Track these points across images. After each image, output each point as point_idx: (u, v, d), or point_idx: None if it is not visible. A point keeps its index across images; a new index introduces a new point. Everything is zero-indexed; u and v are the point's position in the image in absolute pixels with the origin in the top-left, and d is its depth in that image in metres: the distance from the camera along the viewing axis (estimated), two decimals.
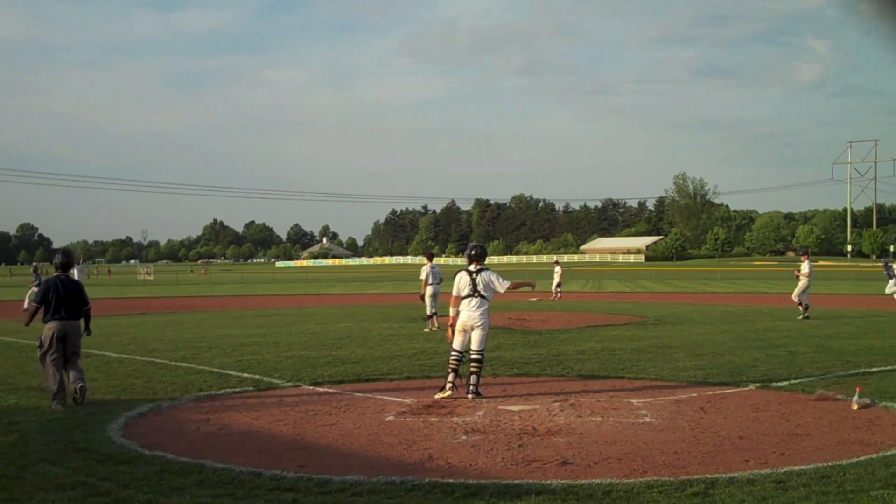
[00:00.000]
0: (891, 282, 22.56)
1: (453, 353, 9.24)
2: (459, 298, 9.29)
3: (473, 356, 9.15)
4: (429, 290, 17.47)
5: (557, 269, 32.58)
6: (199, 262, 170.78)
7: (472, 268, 9.35)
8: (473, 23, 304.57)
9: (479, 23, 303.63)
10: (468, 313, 9.17)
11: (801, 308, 20.25)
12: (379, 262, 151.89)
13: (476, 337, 9.15)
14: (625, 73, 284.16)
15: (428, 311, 17.50)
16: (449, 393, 9.09)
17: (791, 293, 21.38)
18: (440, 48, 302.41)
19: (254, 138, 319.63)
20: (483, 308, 9.19)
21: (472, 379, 9.09)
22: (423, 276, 17.78)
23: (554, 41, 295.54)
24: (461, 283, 9.29)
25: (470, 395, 9.00)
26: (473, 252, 9.38)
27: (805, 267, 20.38)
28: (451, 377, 9.19)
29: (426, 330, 17.17)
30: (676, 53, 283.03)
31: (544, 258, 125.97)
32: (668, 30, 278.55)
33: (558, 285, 31.48)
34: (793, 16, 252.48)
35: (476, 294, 9.19)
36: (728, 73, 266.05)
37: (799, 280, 20.50)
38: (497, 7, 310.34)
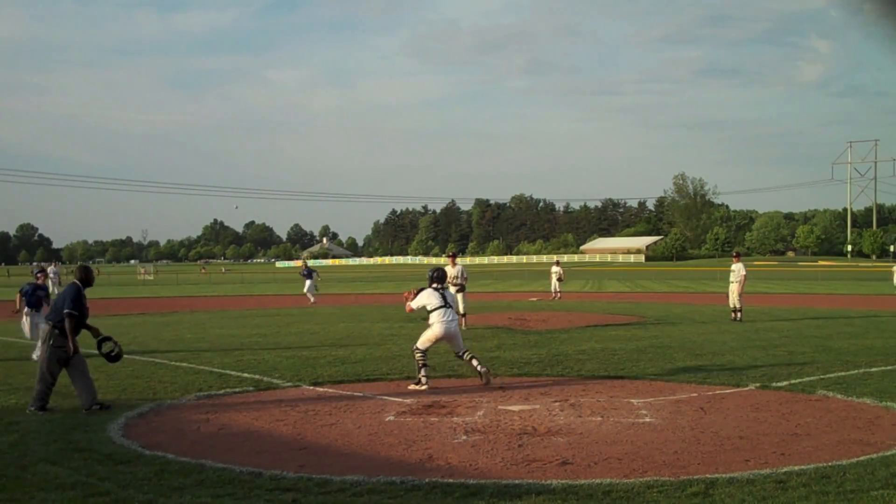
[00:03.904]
0: None
1: (422, 351, 10.11)
2: (424, 308, 10.35)
3: (463, 351, 10.30)
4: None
5: (554, 268, 32.57)
6: (200, 261, 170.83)
7: (435, 286, 10.51)
8: (476, 23, 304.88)
9: (482, 23, 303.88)
10: (450, 324, 10.22)
11: (734, 313, 19.27)
12: (379, 262, 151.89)
13: (458, 340, 10.37)
14: (628, 73, 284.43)
15: (461, 310, 17.70)
16: (426, 387, 9.85)
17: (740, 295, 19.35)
18: (443, 48, 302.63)
19: (254, 138, 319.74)
20: (456, 318, 10.56)
21: (477, 363, 10.14)
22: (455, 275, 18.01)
23: (557, 41, 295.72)
24: (432, 297, 10.34)
25: (482, 370, 10.04)
26: (436, 274, 10.65)
27: (737, 269, 19.41)
28: (425, 371, 10.03)
29: (463, 327, 17.34)
30: (679, 53, 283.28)
31: (544, 258, 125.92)
32: (671, 30, 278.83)
33: (559, 279, 31.47)
34: (796, 16, 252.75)
35: (447, 305, 10.30)
36: (731, 74, 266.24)
37: (732, 284, 19.42)
38: (500, 7, 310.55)
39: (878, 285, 42.66)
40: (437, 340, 10.27)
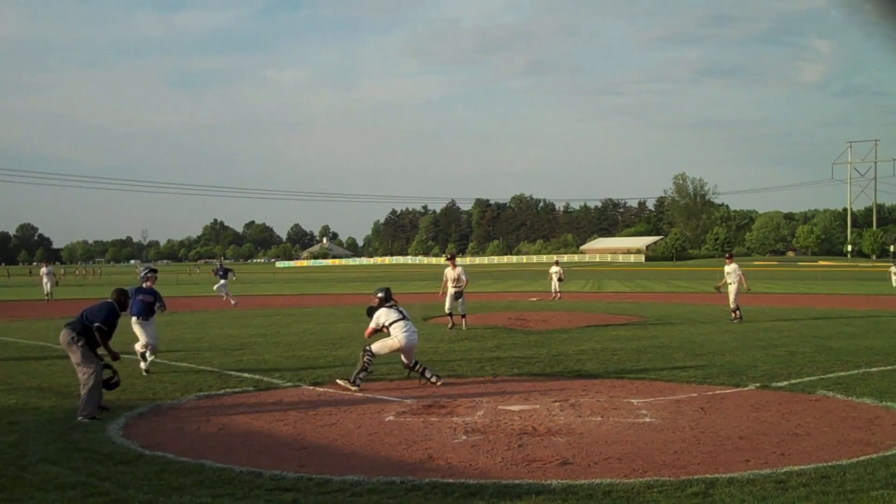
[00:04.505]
0: None
1: (372, 355, 10.02)
2: (377, 330, 10.35)
3: (415, 363, 10.32)
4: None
5: (554, 268, 32.54)
6: (199, 261, 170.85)
7: (390, 303, 10.55)
8: (477, 23, 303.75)
9: (483, 23, 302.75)
10: (411, 336, 10.21)
11: (734, 313, 19.25)
12: (379, 263, 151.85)
13: (412, 354, 10.35)
14: (628, 73, 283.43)
15: (460, 311, 17.94)
16: (356, 388, 9.81)
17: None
18: (444, 48, 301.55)
19: (254, 138, 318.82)
20: (416, 330, 10.53)
21: (429, 373, 10.29)
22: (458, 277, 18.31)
23: (557, 41, 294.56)
24: (390, 313, 10.31)
25: (440, 382, 10.16)
26: (383, 294, 10.70)
27: (733, 270, 19.40)
28: (363, 375, 9.98)
29: (464, 328, 17.59)
30: (680, 53, 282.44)
31: (544, 258, 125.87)
32: (671, 30, 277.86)
33: (559, 279, 31.45)
34: (796, 16, 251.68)
35: (406, 318, 10.34)
36: (731, 73, 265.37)
37: (730, 286, 19.42)
38: (501, 7, 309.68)
39: (878, 285, 42.67)
40: (396, 351, 10.22)
